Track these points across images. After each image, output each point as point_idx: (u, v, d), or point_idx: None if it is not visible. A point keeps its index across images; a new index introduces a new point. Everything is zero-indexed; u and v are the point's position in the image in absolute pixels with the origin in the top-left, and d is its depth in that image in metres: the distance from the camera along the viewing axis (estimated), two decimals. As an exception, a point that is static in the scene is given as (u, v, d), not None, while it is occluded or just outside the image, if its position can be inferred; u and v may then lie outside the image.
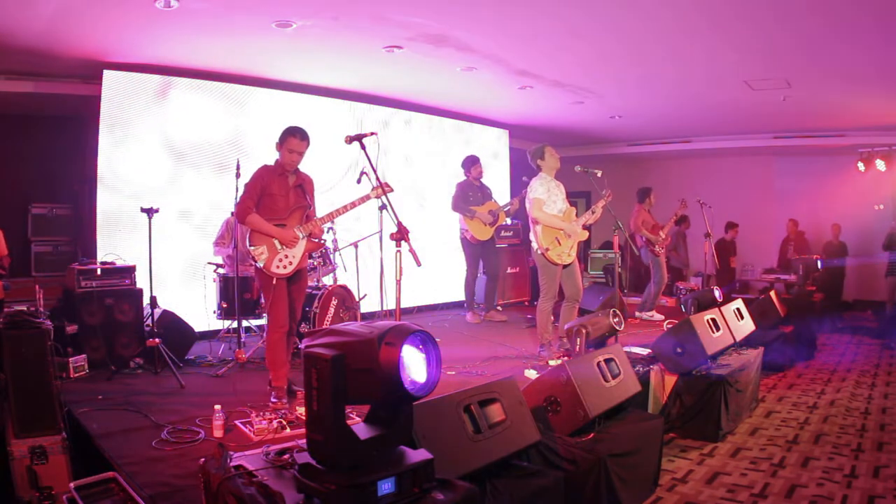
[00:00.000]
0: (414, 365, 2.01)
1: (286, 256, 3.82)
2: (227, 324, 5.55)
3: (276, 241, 3.80)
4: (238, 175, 4.74)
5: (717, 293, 5.89)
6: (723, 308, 5.16)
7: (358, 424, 2.09)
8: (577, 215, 5.22)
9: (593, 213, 5.25)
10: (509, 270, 8.41)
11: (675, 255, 9.70)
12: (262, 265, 3.76)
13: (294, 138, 3.82)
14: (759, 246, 10.55)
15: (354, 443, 1.96)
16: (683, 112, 8.37)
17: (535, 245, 5.06)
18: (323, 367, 1.92)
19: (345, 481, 1.89)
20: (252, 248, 3.78)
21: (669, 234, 7.39)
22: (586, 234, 5.26)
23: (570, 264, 5.09)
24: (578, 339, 4.50)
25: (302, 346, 2.14)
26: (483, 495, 2.40)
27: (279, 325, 3.82)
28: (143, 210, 4.65)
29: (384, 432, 2.06)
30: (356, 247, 6.27)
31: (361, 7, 4.60)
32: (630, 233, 7.11)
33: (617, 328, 4.80)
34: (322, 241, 4.25)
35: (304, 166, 4.08)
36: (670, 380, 4.54)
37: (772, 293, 6.67)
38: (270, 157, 3.99)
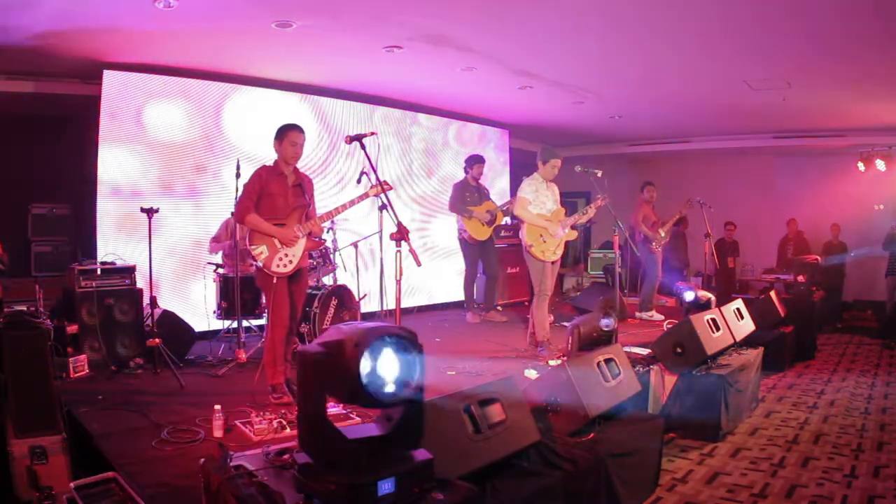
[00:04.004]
0: (388, 369, 1.97)
1: (286, 255, 3.83)
2: (226, 324, 5.55)
3: (276, 241, 3.80)
4: (238, 175, 4.74)
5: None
6: (723, 308, 5.16)
7: (359, 425, 2.09)
8: (566, 216, 5.30)
9: (584, 213, 5.32)
10: (509, 270, 8.41)
11: (675, 255, 9.69)
12: (262, 264, 3.76)
13: (294, 131, 3.89)
14: (759, 246, 10.54)
15: (340, 441, 1.97)
16: (683, 112, 8.37)
17: (522, 242, 5.22)
18: (307, 364, 1.98)
19: (345, 481, 1.89)
20: (252, 247, 3.78)
21: (669, 234, 7.38)
22: (574, 234, 5.34)
23: (554, 262, 5.22)
24: (570, 338, 4.53)
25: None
26: (483, 495, 2.39)
27: (281, 324, 3.82)
28: (142, 210, 4.66)
29: (389, 433, 2.06)
30: (356, 247, 6.27)
31: (361, 7, 4.60)
32: (630, 227, 7.11)
33: (606, 329, 4.79)
34: (322, 240, 4.25)
35: (303, 164, 4.08)
36: (670, 380, 4.54)
37: (772, 293, 6.67)
38: (271, 156, 4.00)
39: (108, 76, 5.62)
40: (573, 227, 5.29)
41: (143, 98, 5.84)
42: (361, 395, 1.90)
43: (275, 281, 3.78)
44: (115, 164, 5.71)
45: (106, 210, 5.69)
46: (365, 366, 1.89)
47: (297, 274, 3.94)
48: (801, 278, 8.31)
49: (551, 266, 5.19)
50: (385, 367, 1.96)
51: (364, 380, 1.89)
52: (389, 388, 1.97)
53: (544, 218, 5.17)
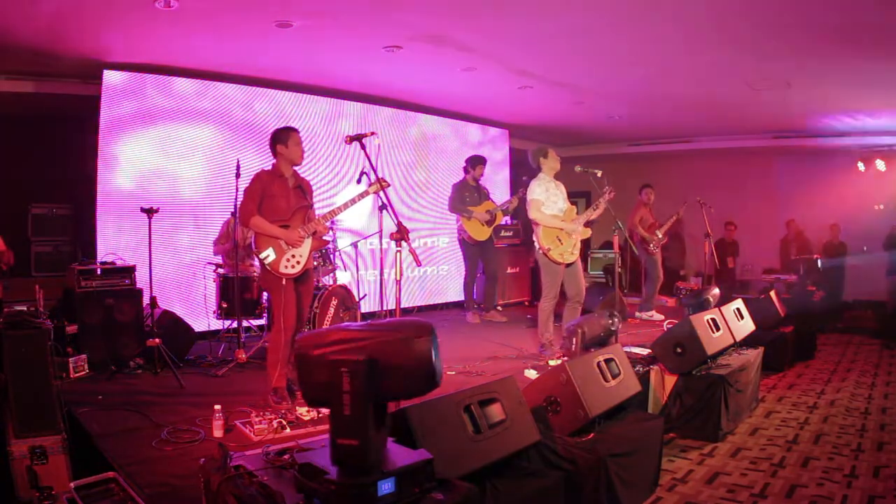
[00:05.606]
0: (435, 360, 2.03)
1: (293, 256, 3.82)
2: (227, 324, 5.55)
3: (282, 242, 3.80)
4: (238, 175, 4.75)
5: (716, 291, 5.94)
6: (723, 308, 5.16)
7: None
8: (577, 214, 5.23)
9: (595, 209, 5.26)
10: (509, 270, 8.41)
11: (669, 255, 9.69)
12: (270, 267, 3.76)
13: (296, 132, 3.93)
14: (759, 246, 10.53)
15: (382, 443, 1.99)
16: (683, 112, 8.36)
17: (536, 245, 5.08)
18: (358, 369, 1.89)
19: (345, 481, 1.89)
20: (257, 251, 3.78)
21: (666, 235, 7.39)
22: (588, 231, 5.27)
23: (572, 264, 5.10)
24: (574, 339, 4.51)
25: (306, 351, 2.08)
26: (483, 495, 2.39)
27: (287, 327, 3.79)
28: (142, 210, 4.66)
29: (380, 431, 2.06)
30: (356, 247, 6.26)
31: (361, 7, 4.60)
32: (628, 229, 7.11)
33: (612, 329, 4.81)
34: (326, 240, 4.25)
35: (304, 165, 4.09)
36: (670, 380, 4.54)
37: (772, 293, 6.67)
38: (270, 155, 4.00)
39: (108, 76, 5.62)
40: (586, 225, 5.21)
41: (143, 98, 5.84)
42: (431, 381, 1.96)
43: (283, 283, 3.78)
44: (114, 163, 5.71)
45: (106, 210, 5.69)
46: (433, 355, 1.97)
47: (304, 275, 3.94)
48: (797, 278, 8.32)
49: (566, 267, 5.07)
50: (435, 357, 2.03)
51: (434, 368, 1.95)
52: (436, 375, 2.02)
53: (558, 218, 5.09)
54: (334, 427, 1.96)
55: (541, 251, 5.03)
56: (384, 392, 1.96)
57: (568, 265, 5.07)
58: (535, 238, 5.12)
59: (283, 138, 3.89)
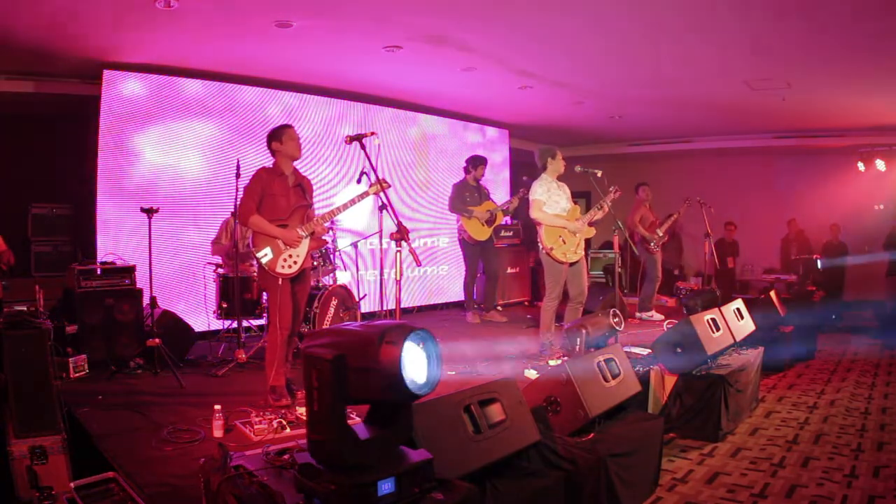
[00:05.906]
0: (415, 364, 2.00)
1: (290, 256, 3.82)
2: (227, 324, 5.55)
3: (280, 242, 3.80)
4: (238, 175, 4.74)
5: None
6: (723, 308, 5.16)
7: (358, 424, 2.08)
8: (581, 214, 5.24)
9: (600, 208, 5.26)
10: (509, 270, 8.41)
11: (666, 255, 9.69)
12: (267, 267, 3.76)
13: (291, 128, 3.94)
14: (759, 246, 10.54)
15: (355, 443, 1.96)
16: (684, 112, 8.37)
17: (540, 245, 5.09)
18: (323, 367, 1.91)
19: (345, 481, 1.89)
20: (255, 249, 3.78)
21: (667, 234, 7.39)
22: (593, 230, 5.27)
23: (576, 263, 5.10)
24: (578, 339, 4.51)
25: (301, 346, 2.14)
26: (483, 495, 2.39)
27: (283, 326, 3.79)
28: (142, 210, 4.66)
29: (385, 432, 2.06)
30: (356, 247, 6.26)
31: (361, 7, 4.60)
32: (628, 228, 7.11)
33: (617, 328, 4.82)
34: (325, 240, 4.24)
35: (304, 165, 4.08)
36: (670, 380, 4.54)
37: (772, 293, 6.67)
38: (269, 156, 4.00)
39: (108, 76, 5.62)
40: (590, 224, 5.21)
41: (143, 97, 5.84)
42: (400, 389, 1.91)
43: (280, 282, 3.78)
44: (114, 163, 5.71)
45: (106, 210, 5.69)
46: (404, 358, 1.92)
47: (301, 275, 3.94)
48: (797, 278, 8.32)
49: (570, 267, 5.06)
50: (414, 361, 1.99)
51: (403, 373, 1.90)
52: (419, 381, 1.98)
53: (561, 217, 5.08)
54: (308, 422, 2.03)
55: (544, 251, 5.03)
56: (355, 393, 1.95)
57: (571, 264, 5.07)
58: (538, 238, 5.12)
59: (277, 135, 3.90)
